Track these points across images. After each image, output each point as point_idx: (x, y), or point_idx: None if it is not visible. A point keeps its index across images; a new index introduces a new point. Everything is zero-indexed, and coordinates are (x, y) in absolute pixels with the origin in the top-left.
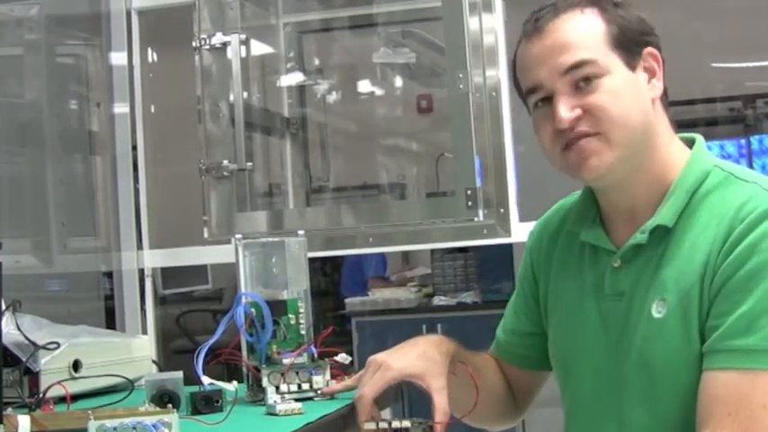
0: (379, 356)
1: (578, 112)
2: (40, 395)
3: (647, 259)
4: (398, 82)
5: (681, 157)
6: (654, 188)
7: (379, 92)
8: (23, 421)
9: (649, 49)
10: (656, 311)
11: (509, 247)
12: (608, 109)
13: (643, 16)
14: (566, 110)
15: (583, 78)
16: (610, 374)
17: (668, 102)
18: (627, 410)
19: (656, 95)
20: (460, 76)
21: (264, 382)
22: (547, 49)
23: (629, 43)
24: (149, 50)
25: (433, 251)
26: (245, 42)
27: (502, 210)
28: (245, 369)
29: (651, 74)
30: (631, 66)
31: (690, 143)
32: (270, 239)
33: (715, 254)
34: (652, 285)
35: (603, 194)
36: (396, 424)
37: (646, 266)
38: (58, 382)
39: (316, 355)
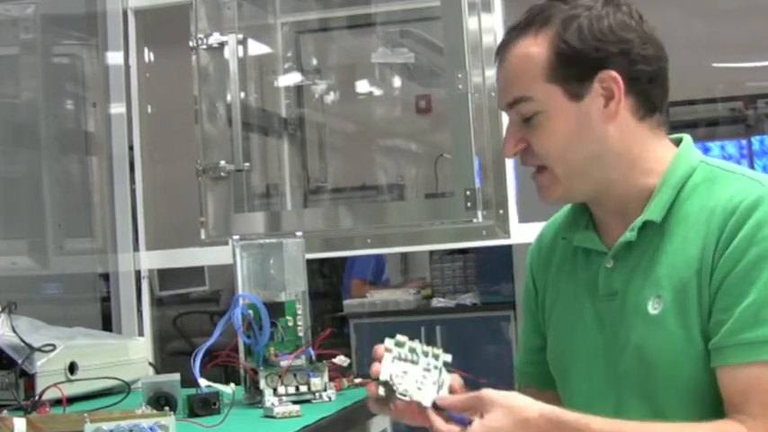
0: None
1: (522, 145)
2: (36, 397)
3: (638, 257)
4: (397, 82)
5: (667, 155)
6: (640, 187)
7: (377, 92)
8: (19, 424)
9: (603, 73)
10: (652, 308)
11: (508, 248)
12: (545, 148)
13: (615, 25)
14: (510, 145)
15: (523, 114)
16: (606, 373)
17: (657, 106)
18: (624, 408)
19: (614, 117)
20: (459, 76)
21: (262, 384)
22: (499, 80)
23: (576, 71)
24: (146, 50)
25: (431, 253)
26: (243, 42)
27: (501, 211)
28: (242, 371)
29: (608, 97)
30: (576, 95)
31: (678, 143)
32: (267, 240)
33: (710, 248)
34: (646, 282)
35: (593, 201)
36: (425, 348)
37: (638, 264)
38: (54, 385)
39: (314, 357)
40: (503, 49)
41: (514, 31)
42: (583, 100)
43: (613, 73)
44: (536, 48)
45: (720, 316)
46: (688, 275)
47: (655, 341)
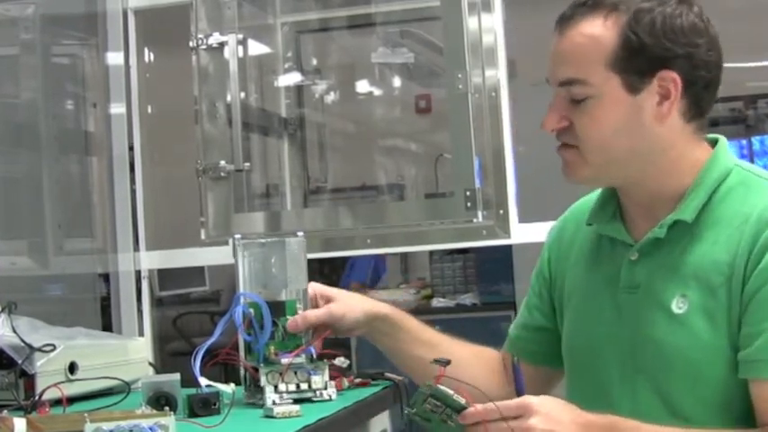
0: None
1: (565, 123)
2: (36, 398)
3: (665, 254)
4: (397, 82)
5: (704, 157)
6: (673, 186)
7: (377, 92)
8: (19, 424)
9: (665, 73)
10: (677, 307)
11: (508, 248)
12: (587, 132)
13: (687, 26)
14: (552, 120)
15: (574, 95)
16: (622, 366)
17: (705, 110)
18: (640, 403)
19: (666, 117)
20: (459, 76)
21: (263, 381)
22: (556, 54)
23: (640, 65)
24: (146, 50)
25: (431, 253)
26: (243, 42)
27: (501, 211)
28: (242, 370)
29: (664, 96)
30: (634, 88)
31: (713, 143)
32: (269, 239)
33: (743, 256)
34: (671, 280)
35: (621, 190)
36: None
37: (664, 261)
38: (54, 385)
39: (314, 355)
40: (565, 23)
41: (582, 7)
42: (639, 94)
43: (674, 74)
44: (605, 31)
45: (751, 329)
46: (718, 281)
47: (678, 340)
